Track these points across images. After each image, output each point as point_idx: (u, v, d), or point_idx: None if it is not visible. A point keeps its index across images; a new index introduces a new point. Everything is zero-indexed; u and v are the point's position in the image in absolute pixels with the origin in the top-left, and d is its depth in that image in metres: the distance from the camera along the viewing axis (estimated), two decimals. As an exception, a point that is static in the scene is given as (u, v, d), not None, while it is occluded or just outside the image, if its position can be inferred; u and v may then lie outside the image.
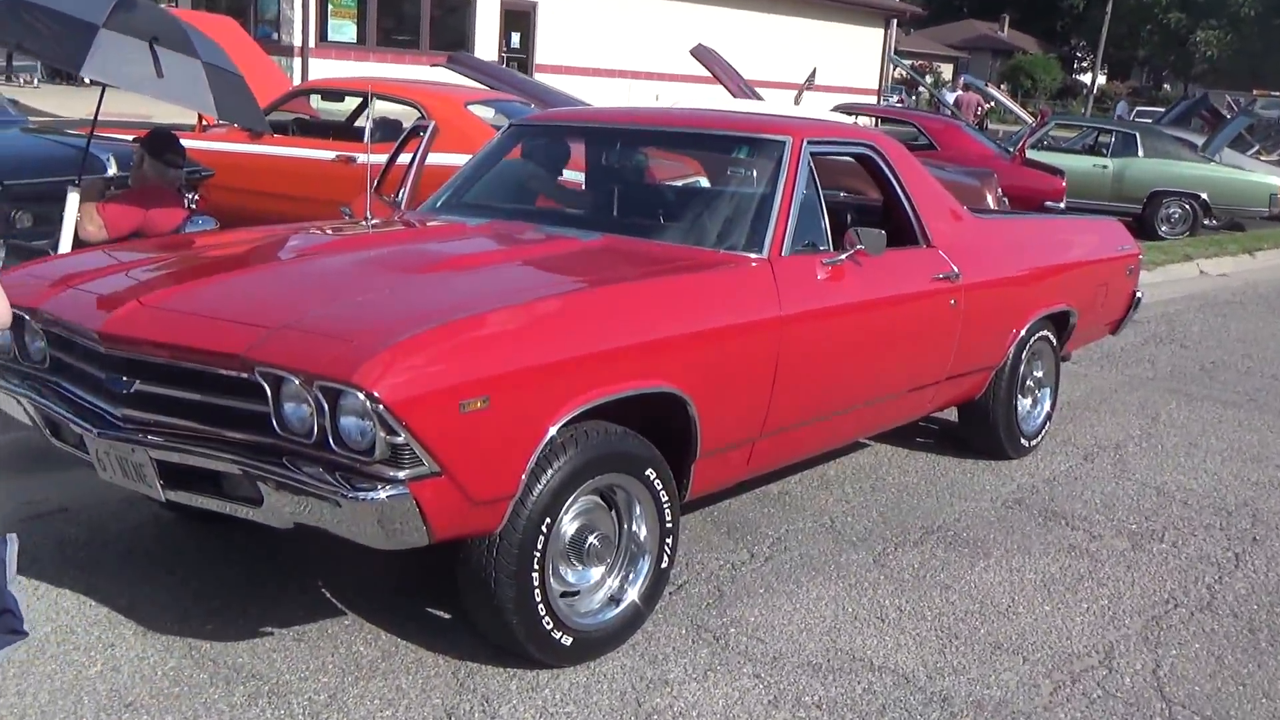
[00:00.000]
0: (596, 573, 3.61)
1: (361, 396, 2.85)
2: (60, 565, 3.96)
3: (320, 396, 2.93)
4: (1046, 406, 6.02)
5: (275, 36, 23.54)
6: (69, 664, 3.38)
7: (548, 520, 3.30)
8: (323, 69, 22.16)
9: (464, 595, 3.43)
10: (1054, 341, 5.94)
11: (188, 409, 3.25)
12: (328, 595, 3.89)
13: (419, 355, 2.96)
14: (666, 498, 3.66)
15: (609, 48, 26.49)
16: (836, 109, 13.88)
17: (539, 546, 3.30)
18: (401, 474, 2.94)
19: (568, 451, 3.33)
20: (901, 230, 4.99)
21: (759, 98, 14.14)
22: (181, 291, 3.49)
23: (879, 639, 3.86)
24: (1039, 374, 5.98)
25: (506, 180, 5.09)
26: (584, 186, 5.08)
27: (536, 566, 3.31)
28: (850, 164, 5.04)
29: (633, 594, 3.64)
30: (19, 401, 3.70)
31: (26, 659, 3.36)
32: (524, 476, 3.20)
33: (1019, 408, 5.75)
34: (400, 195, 5.22)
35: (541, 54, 26.55)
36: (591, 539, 3.52)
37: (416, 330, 3.03)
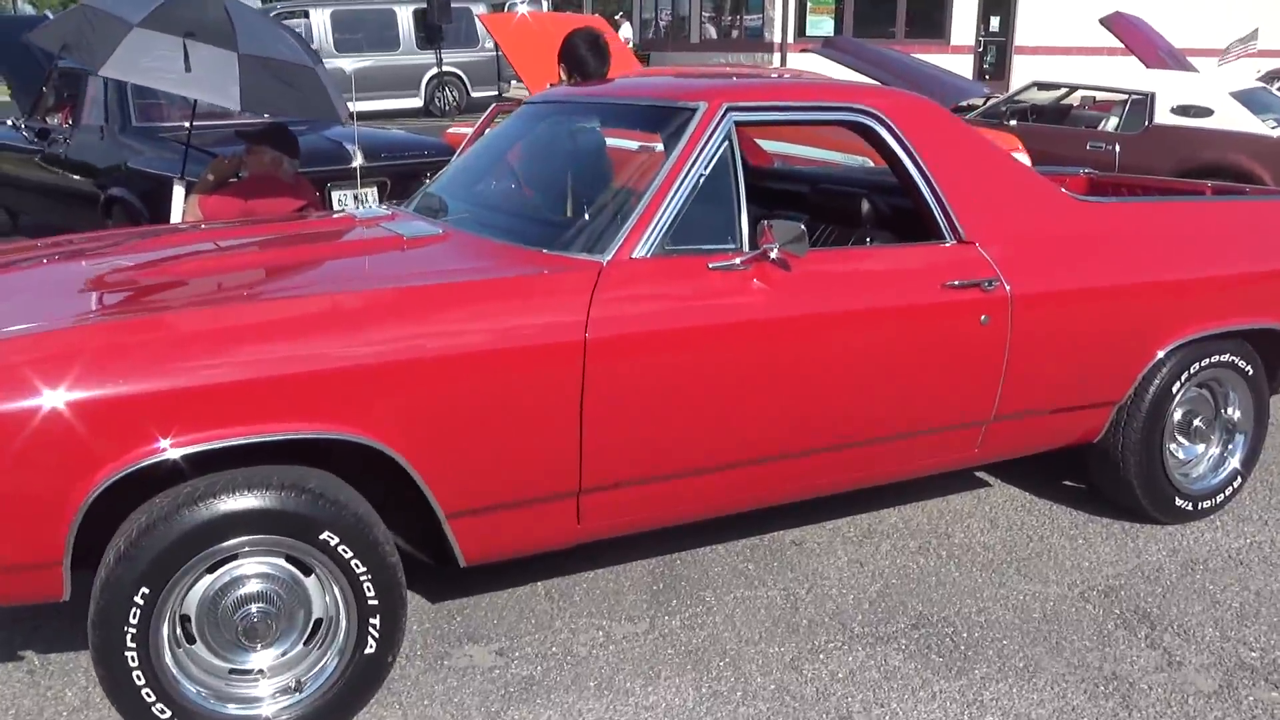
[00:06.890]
0: (264, 657, 2.73)
1: None
2: None
3: None
4: (1236, 459, 4.12)
5: (761, 34, 23.65)
6: None
7: (145, 590, 2.51)
8: (799, 63, 21.67)
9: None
10: (1249, 370, 4.04)
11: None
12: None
13: None
14: (364, 568, 2.71)
15: (1094, 23, 23.47)
16: (1266, 75, 11.14)
17: (132, 620, 2.51)
18: None
19: (182, 510, 2.54)
20: (922, 220, 3.55)
21: (1190, 68, 11.70)
22: None
23: (648, 786, 2.67)
24: (1232, 413, 4.09)
25: (476, 168, 4.20)
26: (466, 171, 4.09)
27: (132, 644, 2.52)
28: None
29: (309, 689, 2.75)
30: None
31: None
32: (68, 539, 2.45)
33: (1170, 457, 3.97)
34: None
35: (1021, 35, 24.11)
36: (252, 610, 2.68)
37: None
